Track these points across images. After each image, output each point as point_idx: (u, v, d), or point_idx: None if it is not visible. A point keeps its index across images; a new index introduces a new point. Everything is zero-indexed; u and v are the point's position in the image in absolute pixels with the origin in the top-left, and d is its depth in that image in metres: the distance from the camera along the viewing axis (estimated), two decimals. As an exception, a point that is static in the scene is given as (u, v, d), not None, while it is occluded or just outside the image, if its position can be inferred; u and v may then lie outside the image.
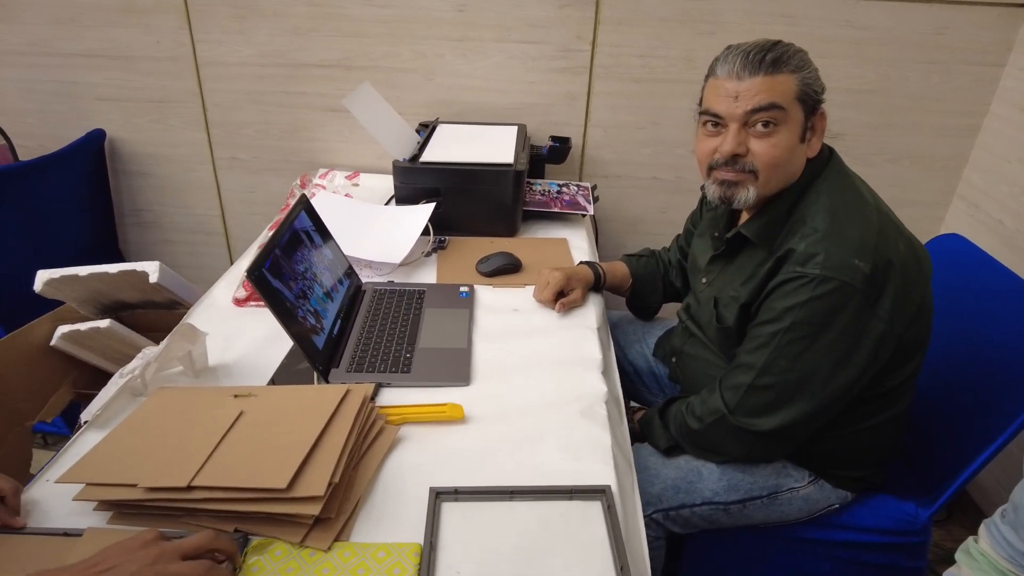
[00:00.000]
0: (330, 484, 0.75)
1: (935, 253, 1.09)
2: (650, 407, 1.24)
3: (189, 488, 0.74)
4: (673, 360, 1.30)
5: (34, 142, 1.91)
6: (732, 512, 1.09)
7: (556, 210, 1.60)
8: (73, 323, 1.25)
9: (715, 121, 1.01)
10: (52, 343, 1.25)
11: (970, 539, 0.80)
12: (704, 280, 1.19)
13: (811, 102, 0.98)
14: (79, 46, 1.82)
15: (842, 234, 0.94)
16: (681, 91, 1.75)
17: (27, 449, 1.24)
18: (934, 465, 1.20)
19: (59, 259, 1.37)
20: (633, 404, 1.47)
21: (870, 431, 1.07)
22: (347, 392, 0.89)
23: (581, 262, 1.36)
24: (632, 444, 1.10)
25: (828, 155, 1.05)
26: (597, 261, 1.39)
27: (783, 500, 1.10)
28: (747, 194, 1.01)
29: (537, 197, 1.63)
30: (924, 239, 1.29)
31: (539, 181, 1.71)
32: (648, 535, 1.09)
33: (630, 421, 1.15)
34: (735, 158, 1.00)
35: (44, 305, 1.32)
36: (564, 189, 1.68)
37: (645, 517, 1.08)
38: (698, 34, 1.69)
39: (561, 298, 1.24)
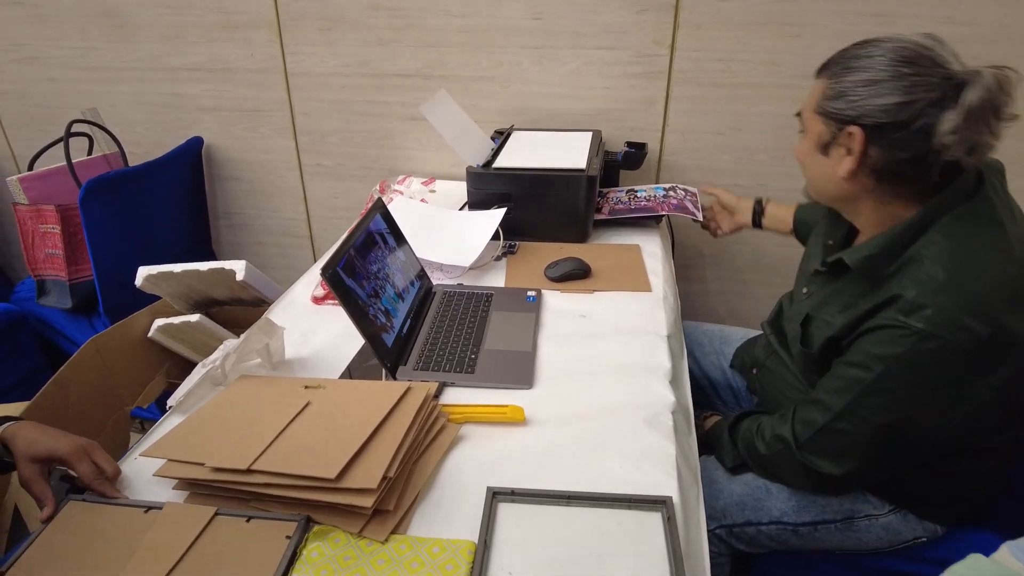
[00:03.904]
0: (384, 478, 0.76)
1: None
2: (723, 417, 1.20)
3: (249, 471, 0.78)
4: (754, 371, 1.25)
5: (141, 149, 2.07)
6: (802, 534, 1.04)
7: (663, 212, 1.56)
8: (168, 317, 1.35)
9: None
10: (149, 335, 1.35)
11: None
12: (805, 290, 1.10)
13: (830, 115, 0.89)
14: (183, 61, 1.96)
15: (961, 286, 0.81)
16: (764, 95, 1.69)
17: (125, 432, 1.34)
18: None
19: (158, 258, 1.47)
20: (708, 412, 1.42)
21: (962, 470, 0.97)
22: (408, 389, 0.91)
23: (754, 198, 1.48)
24: (700, 455, 1.06)
25: (975, 184, 0.88)
26: (765, 199, 1.47)
27: (860, 527, 1.02)
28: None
29: (641, 203, 1.60)
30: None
31: (643, 187, 1.68)
32: (711, 551, 1.05)
33: (699, 427, 1.11)
34: None
35: (145, 300, 1.43)
36: (671, 193, 1.63)
37: (708, 532, 1.04)
38: (783, 36, 1.62)
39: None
